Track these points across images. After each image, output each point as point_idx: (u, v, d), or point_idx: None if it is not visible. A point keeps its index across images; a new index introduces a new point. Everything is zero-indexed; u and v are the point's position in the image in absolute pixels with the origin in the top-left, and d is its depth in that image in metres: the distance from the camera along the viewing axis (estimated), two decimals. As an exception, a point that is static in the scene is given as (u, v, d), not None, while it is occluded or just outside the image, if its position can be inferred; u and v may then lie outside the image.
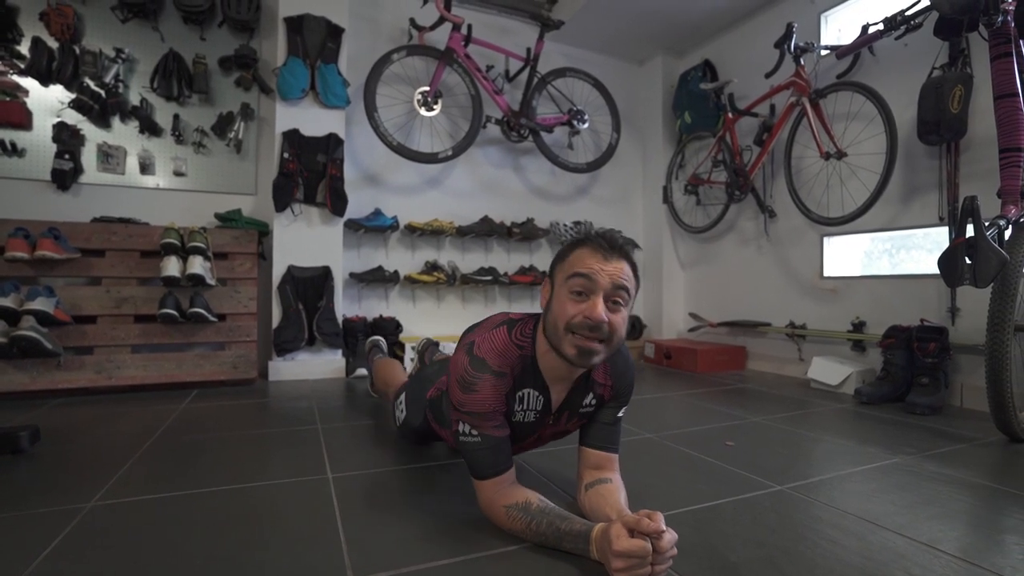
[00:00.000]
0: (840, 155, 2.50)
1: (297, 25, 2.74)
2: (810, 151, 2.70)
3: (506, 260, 3.51)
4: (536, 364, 1.05)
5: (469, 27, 3.03)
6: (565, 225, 3.51)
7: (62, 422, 1.86)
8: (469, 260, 3.40)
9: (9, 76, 2.45)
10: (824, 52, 2.72)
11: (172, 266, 2.36)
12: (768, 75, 2.72)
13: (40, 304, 2.12)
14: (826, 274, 2.83)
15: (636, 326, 3.65)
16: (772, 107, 3.00)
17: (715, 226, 3.32)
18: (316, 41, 2.76)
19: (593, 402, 1.15)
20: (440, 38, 3.09)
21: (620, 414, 1.15)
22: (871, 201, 2.38)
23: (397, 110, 3.08)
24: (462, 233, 3.27)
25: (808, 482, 1.32)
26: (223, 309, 2.57)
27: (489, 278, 3.29)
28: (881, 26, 2.37)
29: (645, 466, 1.45)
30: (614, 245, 0.98)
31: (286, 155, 2.72)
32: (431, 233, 3.21)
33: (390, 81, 3.02)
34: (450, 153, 3.05)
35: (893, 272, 2.63)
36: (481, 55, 3.22)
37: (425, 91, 2.97)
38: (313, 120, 2.80)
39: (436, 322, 3.30)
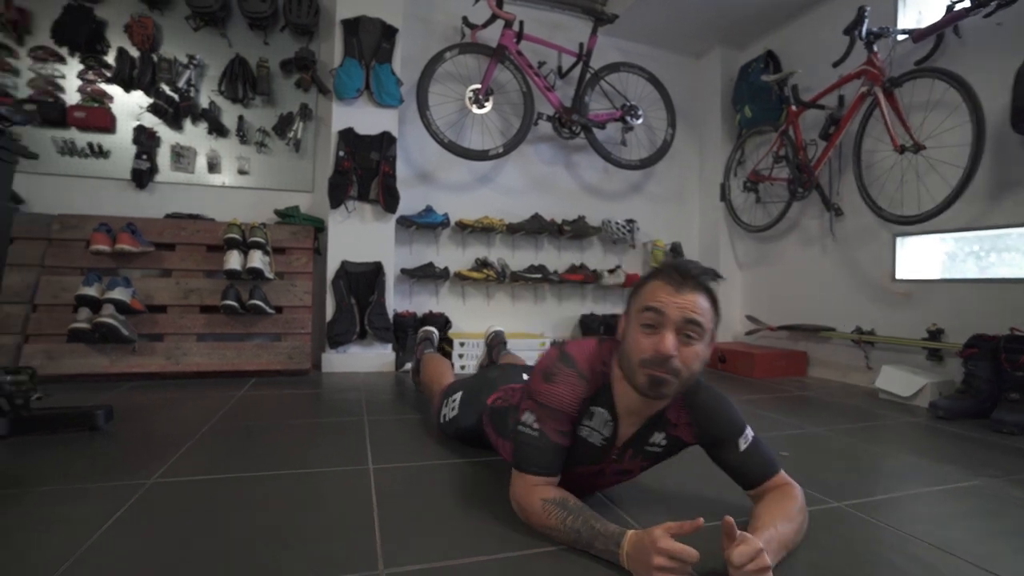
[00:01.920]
0: (917, 148, 2.31)
1: (353, 27, 2.82)
2: (883, 144, 2.51)
3: (556, 258, 3.48)
4: (611, 390, 1.03)
5: (521, 24, 3.01)
6: (617, 223, 3.44)
7: (134, 403, 2.00)
8: (519, 258, 3.39)
9: (97, 84, 2.66)
10: (901, 37, 2.52)
11: (234, 260, 2.49)
12: (836, 64, 2.55)
13: (118, 294, 2.29)
14: (899, 276, 2.63)
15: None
16: (841, 98, 2.81)
17: (776, 225, 3.15)
18: (371, 42, 2.83)
19: (663, 442, 1.09)
20: (492, 36, 3.09)
21: (743, 446, 1.04)
22: (953, 198, 2.18)
23: (449, 108, 3.11)
24: (512, 230, 3.26)
25: (871, 500, 1.22)
26: (280, 302, 2.68)
27: (539, 276, 3.26)
28: (968, 3, 2.16)
29: (692, 474, 1.39)
30: (687, 276, 0.95)
31: (341, 153, 2.80)
32: (481, 230, 3.22)
33: (442, 79, 3.05)
34: (501, 150, 3.05)
35: (980, 276, 2.40)
36: (533, 52, 3.20)
37: (477, 88, 2.98)
38: (367, 119, 2.88)
39: (486, 319, 3.31)
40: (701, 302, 0.94)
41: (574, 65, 3.24)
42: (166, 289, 2.53)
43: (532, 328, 3.38)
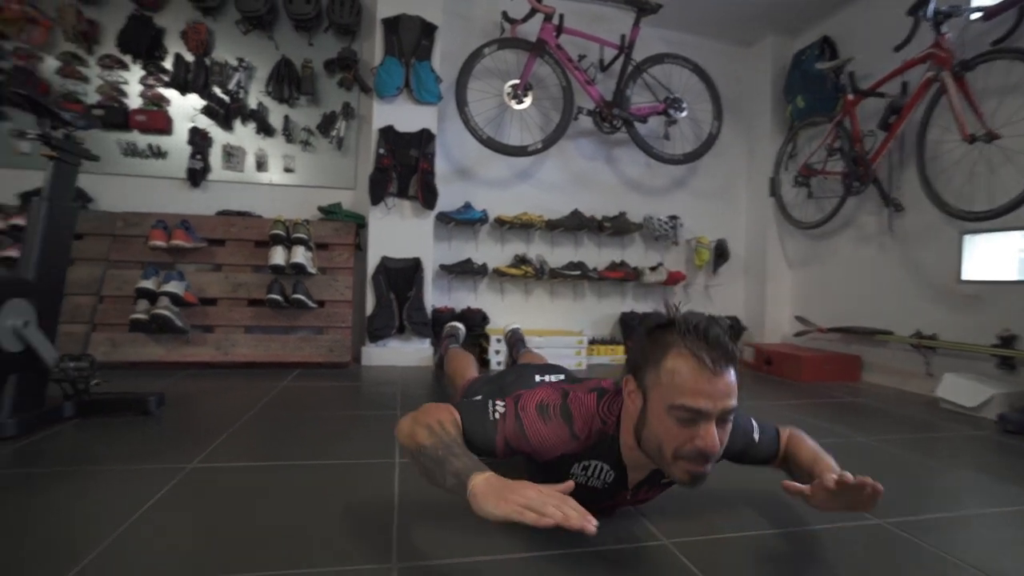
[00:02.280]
0: (990, 137, 2.12)
1: (393, 25, 2.86)
2: (950, 134, 2.32)
3: (597, 255, 3.42)
4: (617, 446, 0.96)
5: (561, 17, 2.97)
6: (660, 220, 3.35)
7: (185, 391, 2.11)
8: (558, 254, 3.36)
9: (156, 89, 2.81)
10: (974, 16, 2.32)
11: (278, 255, 2.58)
12: (898, 48, 2.38)
13: (173, 287, 2.42)
14: (965, 277, 2.43)
15: (735, 328, 3.40)
16: (904, 85, 2.62)
17: (829, 221, 2.98)
18: (411, 39, 2.86)
19: None
20: (532, 30, 3.06)
21: (757, 438, 1.08)
22: (1030, 192, 1.99)
23: (488, 104, 3.10)
24: (551, 227, 3.24)
25: (917, 519, 1.14)
26: (322, 296, 2.76)
27: (578, 273, 3.23)
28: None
29: (718, 480, 1.33)
30: (720, 351, 0.83)
31: (381, 151, 2.85)
32: (520, 226, 3.21)
33: (482, 76, 3.05)
34: (540, 146, 3.02)
35: (1059, 277, 2.20)
36: (573, 45, 3.15)
37: (515, 84, 2.97)
38: (407, 116, 2.91)
39: (524, 315, 3.30)
40: (734, 379, 0.85)
41: (616, 58, 3.17)
42: (216, 283, 2.66)
43: (571, 325, 3.34)
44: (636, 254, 3.47)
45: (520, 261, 3.21)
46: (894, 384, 2.72)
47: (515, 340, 2.62)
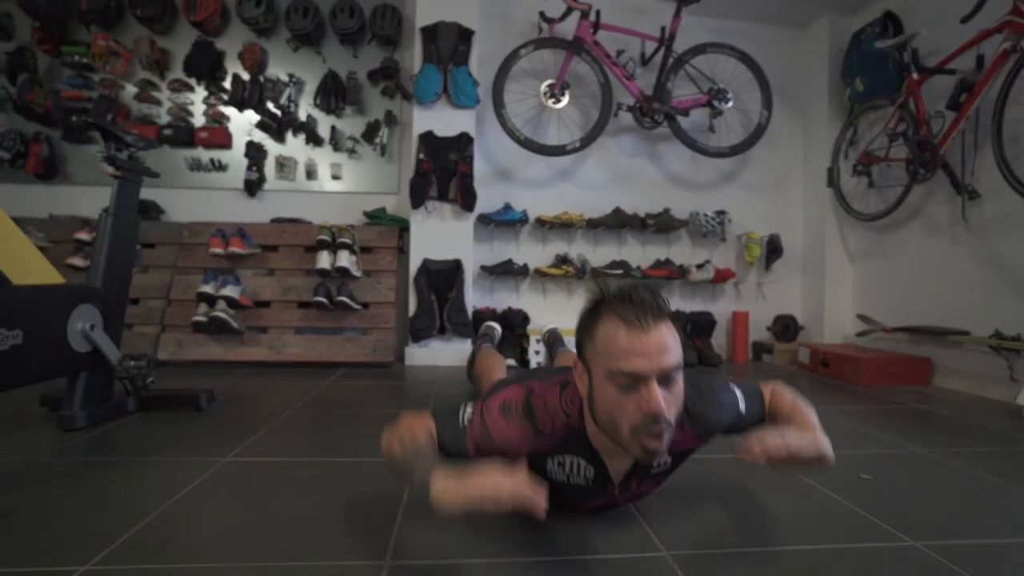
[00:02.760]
0: (1078, 114, 1.89)
1: (431, 33, 2.93)
2: (1032, 112, 2.08)
3: (641, 253, 3.34)
4: (586, 437, 0.95)
5: (598, 13, 2.93)
6: (706, 215, 3.22)
7: (237, 388, 2.26)
8: (601, 253, 3.31)
9: (217, 107, 3.03)
10: (1060, -21, 2.07)
11: (324, 260, 2.72)
12: (965, 19, 2.16)
13: (229, 291, 2.61)
14: (1055, 271, 2.17)
15: (791, 327, 3.21)
16: (980, 59, 2.37)
17: (892, 212, 2.75)
18: (448, 46, 2.92)
19: (668, 461, 1.02)
20: (570, 28, 3.03)
21: (744, 409, 1.04)
22: None
23: (528, 104, 3.10)
24: (593, 226, 3.20)
25: (958, 544, 1.03)
26: (366, 298, 2.87)
27: (620, 272, 3.17)
28: None
29: (744, 489, 1.27)
30: (646, 309, 0.82)
31: (421, 156, 2.93)
32: (561, 226, 3.19)
33: (519, 77, 3.06)
34: (578, 145, 3.00)
35: None
36: (613, 40, 3.09)
37: (551, 84, 2.96)
38: (446, 121, 2.97)
39: (566, 315, 3.27)
40: (670, 337, 0.83)
41: (656, 50, 3.08)
42: (269, 286, 2.83)
43: (613, 325, 3.28)
44: (683, 251, 3.36)
45: (561, 261, 3.19)
46: (970, 390, 2.47)
47: (553, 340, 2.61)
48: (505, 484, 0.76)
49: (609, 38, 3.05)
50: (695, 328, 3.15)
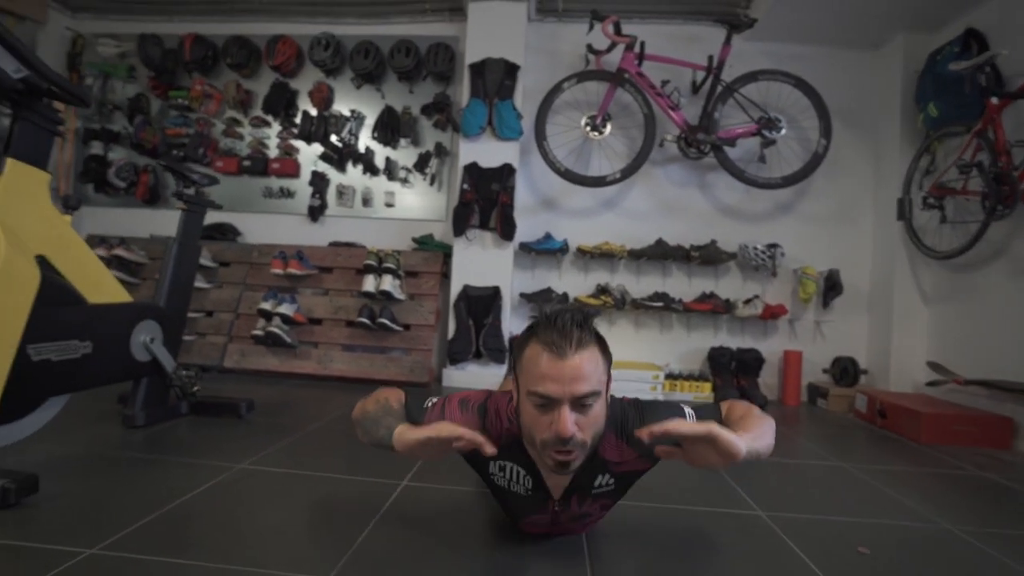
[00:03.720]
0: None
1: (479, 69, 3.07)
2: None
3: (687, 285, 3.25)
4: (523, 447, 1.00)
5: (642, 44, 2.93)
6: (756, 248, 3.07)
7: (283, 398, 2.48)
8: (644, 284, 3.26)
9: (288, 141, 3.37)
10: None
11: (369, 283, 2.91)
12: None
13: (284, 308, 2.87)
14: None
15: (850, 371, 2.96)
16: (1073, 83, 2.11)
17: (967, 251, 2.47)
18: (495, 80, 3.05)
19: (611, 482, 1.05)
20: (617, 59, 3.05)
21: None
22: None
23: (573, 135, 3.14)
24: (635, 256, 3.16)
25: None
26: (408, 320, 3.03)
27: (660, 304, 3.10)
28: None
29: (717, 549, 1.22)
30: (566, 335, 0.88)
31: (465, 186, 3.06)
32: (602, 256, 3.19)
33: (563, 109, 3.12)
34: (618, 176, 3.00)
35: None
36: (661, 71, 3.06)
37: (592, 116, 2.99)
38: (490, 153, 3.09)
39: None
40: (588, 364, 0.88)
41: (705, 79, 3.02)
42: (322, 305, 3.07)
43: (656, 358, 3.19)
44: (732, 285, 3.21)
45: (601, 291, 3.18)
46: (1058, 458, 2.15)
47: None
48: (455, 428, 0.89)
49: (657, 68, 3.04)
50: (740, 366, 3.00)
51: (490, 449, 0.89)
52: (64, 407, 1.68)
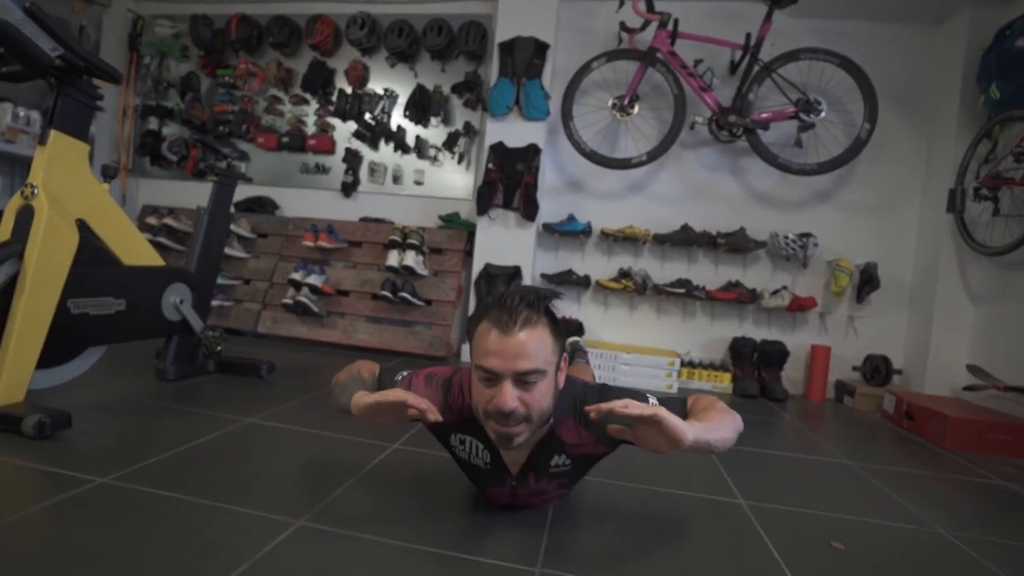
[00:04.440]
0: None
1: (509, 48, 3.07)
2: None
3: (713, 273, 3.16)
4: (479, 422, 1.04)
5: (675, 22, 2.83)
6: (787, 237, 2.94)
7: (304, 363, 2.63)
8: (668, 270, 3.20)
9: (325, 118, 3.49)
10: None
11: (392, 258, 3.01)
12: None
13: (313, 279, 3.01)
14: None
15: (882, 370, 2.81)
16: None
17: (1020, 246, 2.28)
18: (523, 59, 3.04)
19: (568, 463, 1.08)
20: (651, 38, 2.97)
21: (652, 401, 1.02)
22: None
23: (601, 116, 3.09)
24: (659, 241, 3.10)
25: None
26: (430, 295, 3.12)
27: (682, 291, 3.04)
28: None
29: (681, 532, 1.23)
30: (513, 314, 0.92)
31: (490, 165, 3.09)
32: (627, 240, 3.15)
33: (592, 89, 3.07)
34: (644, 158, 2.93)
35: None
36: (696, 49, 2.96)
37: (620, 96, 2.93)
38: (516, 132, 3.10)
39: (626, 330, 3.24)
40: (533, 343, 0.91)
41: (742, 58, 2.89)
42: (350, 278, 3.20)
43: (677, 346, 3.15)
44: (760, 275, 3.10)
45: (623, 275, 3.15)
46: (1099, 474, 1.98)
47: (574, 351, 2.66)
48: (403, 394, 0.94)
49: (692, 47, 2.93)
50: (762, 358, 2.91)
51: (433, 416, 0.93)
52: (104, 359, 1.86)
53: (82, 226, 1.68)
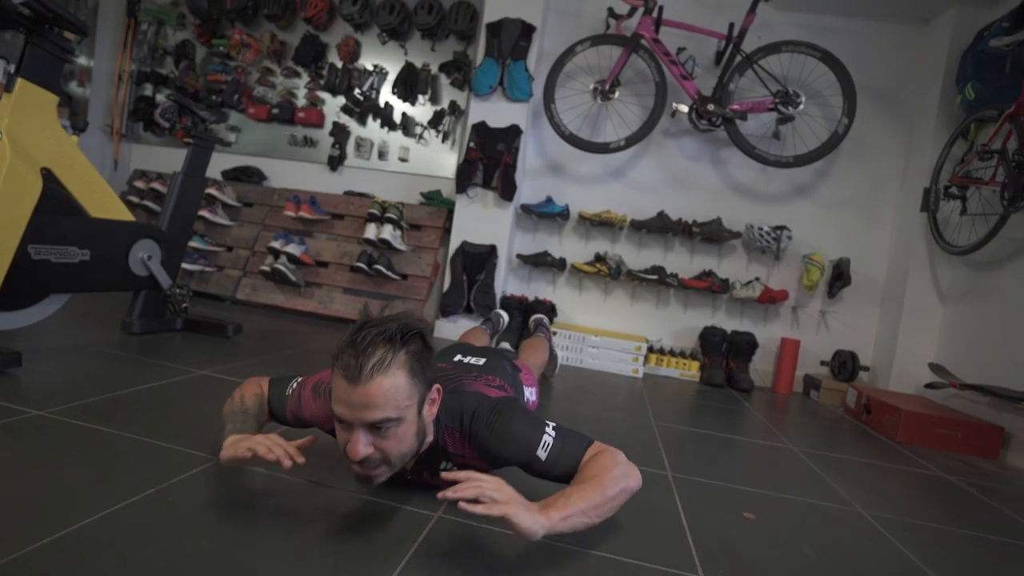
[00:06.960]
0: None
1: (496, 29, 3.08)
2: None
3: (688, 261, 3.18)
4: None
5: (660, 9, 2.83)
6: (761, 229, 2.95)
7: (279, 329, 2.68)
8: (645, 257, 3.22)
9: (315, 92, 3.53)
10: None
11: (370, 231, 3.05)
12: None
13: (291, 249, 3.06)
14: None
15: (849, 365, 2.82)
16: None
17: (983, 246, 2.28)
18: (509, 41, 3.05)
19: (455, 468, 1.06)
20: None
21: (544, 456, 0.99)
22: None
23: (584, 100, 3.10)
24: (636, 227, 3.12)
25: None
26: (407, 270, 3.16)
27: (655, 277, 3.06)
28: None
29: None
30: (365, 359, 0.84)
31: (471, 144, 3.11)
32: (604, 224, 3.17)
33: (576, 74, 3.08)
34: (622, 143, 2.94)
35: None
36: (680, 38, 2.96)
37: (601, 81, 2.94)
38: (499, 113, 3.12)
39: (599, 315, 3.26)
40: (382, 393, 0.85)
41: (726, 48, 2.89)
42: (329, 249, 3.24)
43: (649, 333, 3.17)
44: (735, 266, 3.12)
45: (598, 259, 3.17)
46: (1044, 473, 2.00)
47: (536, 325, 2.71)
48: (259, 444, 0.93)
49: (677, 35, 2.94)
50: (731, 348, 2.93)
51: (288, 464, 0.90)
52: (74, 311, 1.92)
53: (47, 175, 1.72)
